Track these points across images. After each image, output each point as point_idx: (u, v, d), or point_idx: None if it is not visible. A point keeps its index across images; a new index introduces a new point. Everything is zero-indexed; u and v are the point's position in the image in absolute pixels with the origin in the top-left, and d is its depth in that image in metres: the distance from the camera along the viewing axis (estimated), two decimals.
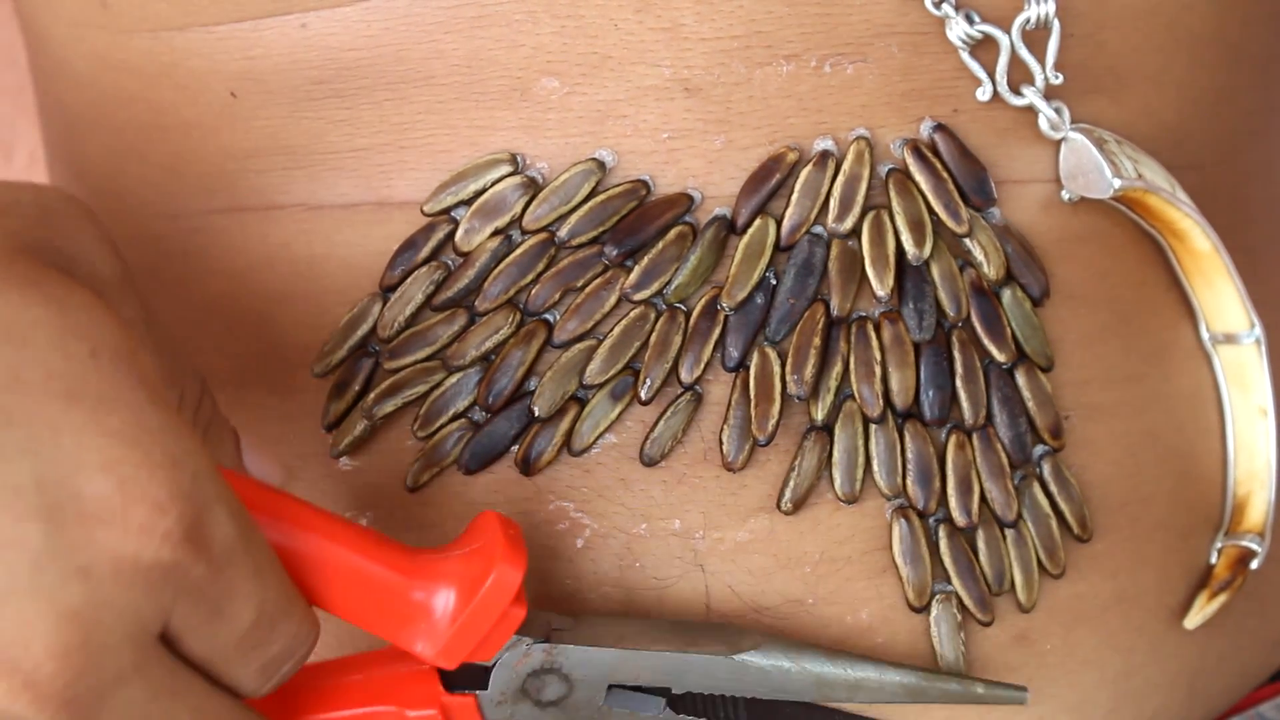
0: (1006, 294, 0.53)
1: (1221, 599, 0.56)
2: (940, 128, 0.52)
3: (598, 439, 0.52)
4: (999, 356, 0.52)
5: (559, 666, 0.49)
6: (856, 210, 0.51)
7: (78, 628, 0.38)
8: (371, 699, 0.48)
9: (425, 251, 0.52)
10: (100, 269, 0.45)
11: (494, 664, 0.48)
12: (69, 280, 0.42)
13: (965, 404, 0.52)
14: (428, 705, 0.48)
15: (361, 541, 0.46)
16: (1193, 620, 0.56)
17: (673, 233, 0.51)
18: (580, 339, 0.52)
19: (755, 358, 0.51)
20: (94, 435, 0.39)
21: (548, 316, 0.52)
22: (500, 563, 0.46)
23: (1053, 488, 0.54)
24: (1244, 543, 0.57)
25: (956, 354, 0.52)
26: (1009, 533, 0.53)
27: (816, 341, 0.51)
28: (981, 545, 0.53)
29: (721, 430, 0.52)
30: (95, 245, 0.45)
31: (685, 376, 0.51)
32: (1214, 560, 0.57)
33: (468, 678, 0.48)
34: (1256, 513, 0.57)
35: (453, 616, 0.46)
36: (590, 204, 0.51)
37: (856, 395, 0.51)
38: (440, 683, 0.48)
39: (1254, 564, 0.57)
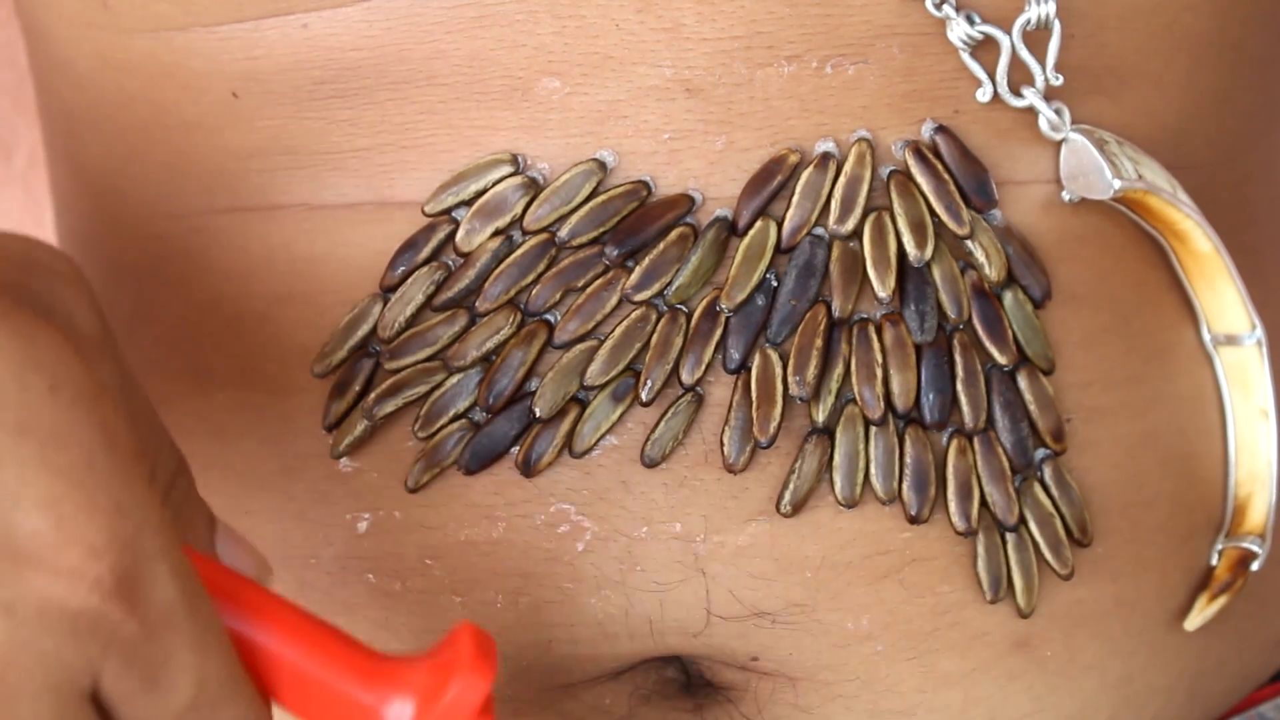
0: (1008, 296, 0.53)
1: (1221, 601, 0.56)
2: (941, 129, 0.52)
3: (599, 440, 0.52)
4: (1000, 359, 0.52)
5: None
6: (858, 212, 0.51)
7: None
8: None
9: (426, 252, 0.52)
10: (79, 323, 0.43)
11: None
12: (39, 318, 0.40)
13: (966, 407, 0.52)
14: None
15: (322, 639, 0.43)
16: (1193, 622, 0.56)
17: (674, 234, 0.51)
18: (581, 340, 0.52)
19: (757, 359, 0.51)
20: (38, 470, 0.37)
21: (548, 317, 0.52)
22: (464, 672, 0.43)
23: (1054, 491, 0.53)
24: (1244, 544, 0.57)
25: (958, 357, 0.52)
26: (1009, 537, 0.53)
27: (818, 343, 0.51)
28: (980, 551, 0.53)
29: (723, 432, 0.52)
30: (77, 301, 0.43)
31: (686, 378, 0.51)
32: (1214, 562, 0.57)
33: None
34: (1257, 514, 0.57)
35: None
36: (591, 204, 0.51)
37: (858, 397, 0.51)
38: None
39: (1254, 565, 0.56)
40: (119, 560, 0.38)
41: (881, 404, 0.51)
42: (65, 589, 0.37)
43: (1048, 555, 0.53)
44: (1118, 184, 0.52)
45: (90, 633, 0.37)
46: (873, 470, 0.52)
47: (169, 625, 0.39)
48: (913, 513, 0.52)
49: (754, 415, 0.51)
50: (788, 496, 0.51)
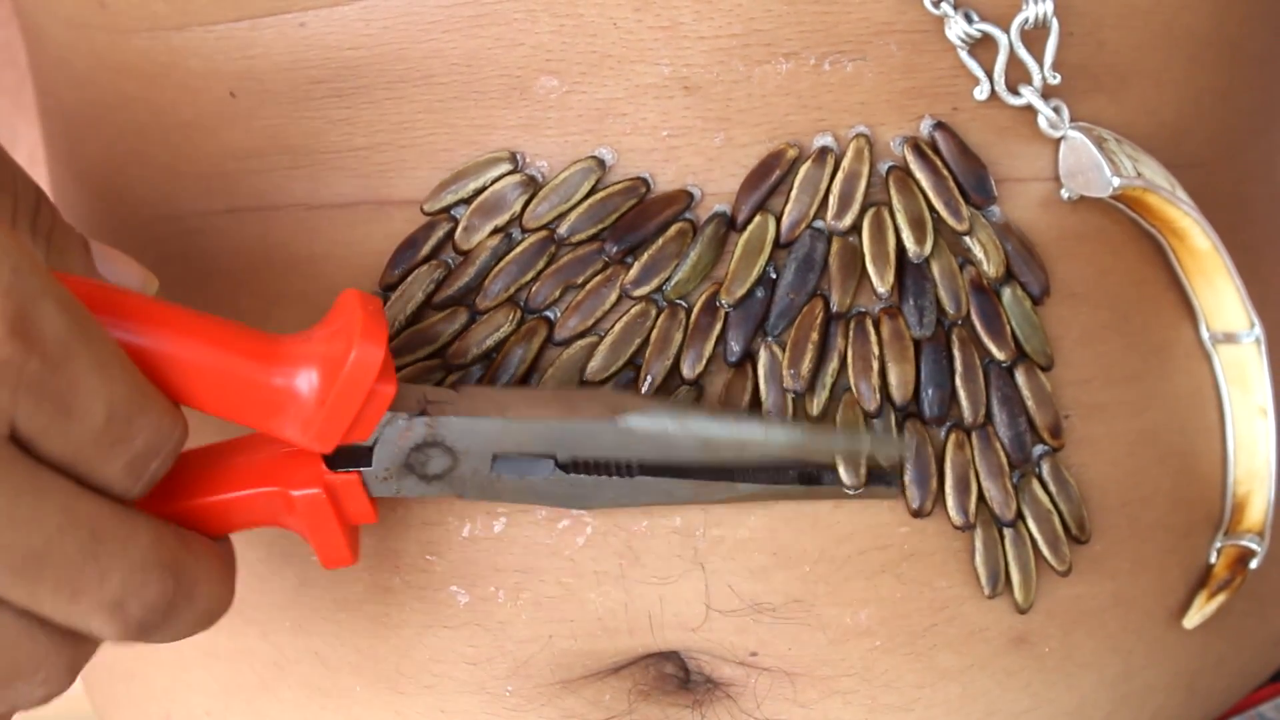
0: (1006, 292, 0.53)
1: (1220, 599, 0.56)
2: (940, 125, 0.52)
3: None
4: (999, 355, 0.52)
5: (441, 439, 0.48)
6: (856, 207, 0.51)
7: None
8: (254, 481, 0.47)
9: (425, 250, 0.52)
10: None
11: (375, 442, 0.47)
12: None
13: (964, 402, 0.52)
14: (311, 485, 0.47)
15: (216, 332, 0.45)
16: (1191, 620, 0.56)
17: (673, 229, 0.51)
18: (581, 336, 0.52)
19: (762, 354, 0.51)
20: None
21: (548, 314, 0.52)
22: (360, 340, 0.45)
23: (1052, 488, 0.53)
24: (1243, 542, 0.57)
25: (956, 352, 0.52)
26: (1007, 533, 0.53)
27: (814, 336, 0.51)
28: (978, 546, 0.53)
29: None
30: None
31: (688, 372, 0.51)
32: (1213, 560, 0.57)
33: (351, 457, 0.48)
34: (1256, 512, 0.57)
35: (319, 398, 0.45)
36: (590, 201, 0.51)
37: (854, 390, 0.51)
38: (323, 462, 0.47)
39: (1253, 564, 0.56)
40: (4, 305, 0.38)
41: (878, 395, 0.51)
42: None
43: (1045, 552, 0.53)
44: (1117, 181, 0.52)
45: None
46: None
47: (68, 355, 0.40)
48: (915, 506, 0.52)
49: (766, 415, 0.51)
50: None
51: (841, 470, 0.51)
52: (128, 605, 0.42)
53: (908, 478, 0.52)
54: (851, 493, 0.51)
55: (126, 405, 0.41)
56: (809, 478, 0.51)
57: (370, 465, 0.48)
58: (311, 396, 0.45)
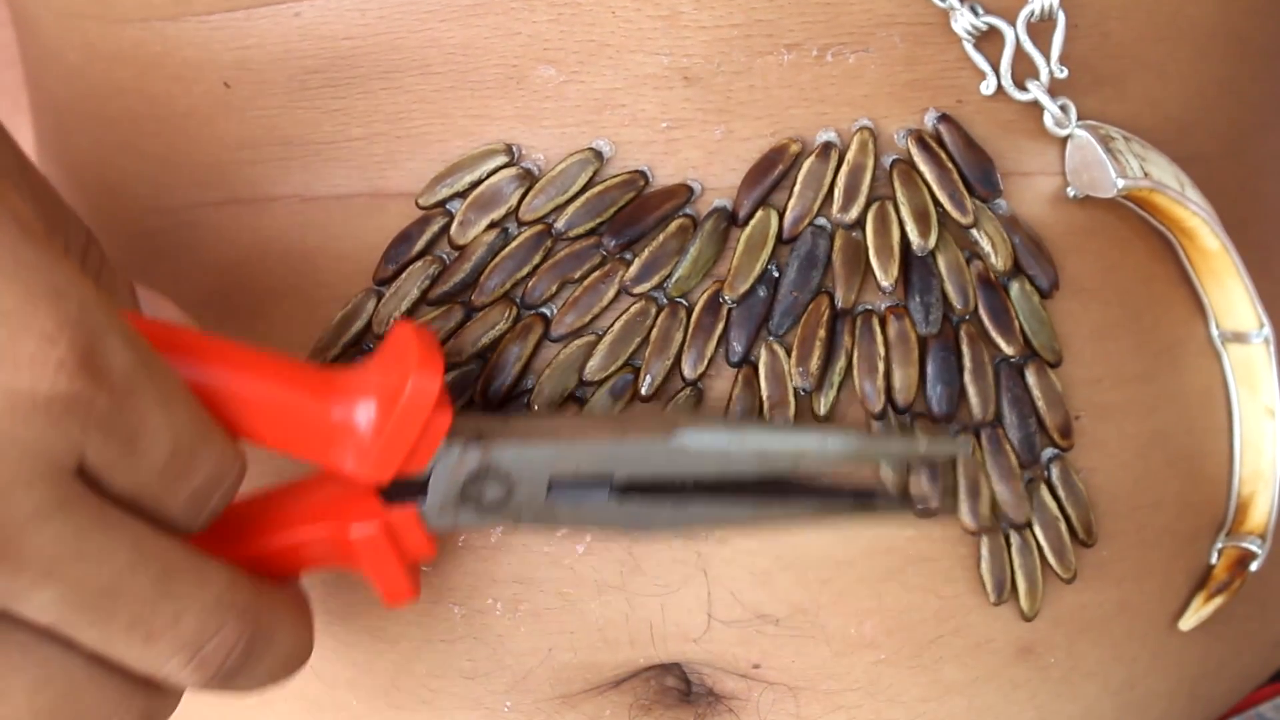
0: (1014, 286, 0.52)
1: (1218, 601, 0.56)
2: (945, 118, 0.52)
3: None
4: (1006, 349, 0.52)
5: (496, 466, 0.48)
6: (861, 201, 0.51)
7: None
8: (311, 519, 0.47)
9: (420, 245, 0.52)
10: None
11: (430, 473, 0.48)
12: None
13: (974, 400, 0.52)
14: (369, 520, 0.47)
15: (273, 366, 0.45)
16: (1188, 622, 0.56)
17: (673, 225, 0.51)
18: (578, 333, 0.51)
19: (763, 354, 0.51)
20: None
21: (545, 310, 0.52)
22: (416, 369, 0.45)
23: (1060, 492, 0.53)
24: (1244, 544, 0.56)
25: (965, 349, 0.52)
26: (1014, 539, 0.52)
27: (822, 333, 0.51)
28: (984, 553, 0.52)
29: None
30: None
31: (689, 373, 0.51)
32: (1214, 561, 0.57)
33: (407, 490, 0.48)
34: (1259, 514, 0.56)
35: (375, 429, 0.45)
36: (587, 195, 0.51)
37: (859, 390, 0.51)
38: (379, 497, 0.48)
39: (1253, 566, 0.56)
40: (74, 339, 0.39)
41: (882, 397, 0.51)
42: (31, 379, 0.38)
43: (1050, 558, 0.53)
44: (1122, 183, 0.51)
45: (66, 414, 0.39)
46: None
47: (134, 389, 0.40)
48: (933, 504, 0.51)
49: (769, 415, 0.51)
50: None
51: (912, 481, 0.51)
52: (206, 648, 0.42)
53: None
54: (911, 509, 0.51)
55: (190, 439, 0.42)
56: (864, 496, 0.51)
57: (426, 498, 0.48)
58: (369, 428, 0.45)
